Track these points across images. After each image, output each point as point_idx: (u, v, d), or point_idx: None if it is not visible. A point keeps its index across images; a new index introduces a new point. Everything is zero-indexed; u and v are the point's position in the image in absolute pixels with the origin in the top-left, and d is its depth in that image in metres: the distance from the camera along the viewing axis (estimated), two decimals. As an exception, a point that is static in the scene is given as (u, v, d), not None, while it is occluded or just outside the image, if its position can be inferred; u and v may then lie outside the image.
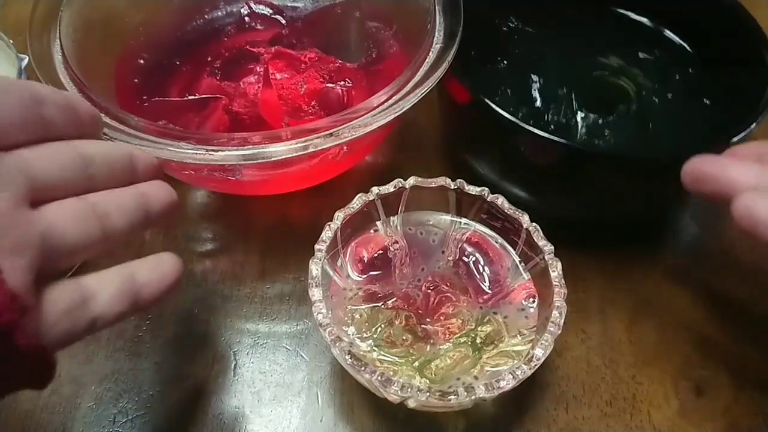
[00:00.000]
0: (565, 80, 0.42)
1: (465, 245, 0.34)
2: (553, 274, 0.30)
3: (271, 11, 0.45)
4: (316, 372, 0.34)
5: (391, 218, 0.35)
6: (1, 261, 0.20)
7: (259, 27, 0.45)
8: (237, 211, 0.41)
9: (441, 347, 0.30)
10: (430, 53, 0.35)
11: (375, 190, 0.34)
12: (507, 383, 0.27)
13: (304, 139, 0.30)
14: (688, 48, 0.44)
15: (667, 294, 0.37)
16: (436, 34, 0.36)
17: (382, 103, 0.32)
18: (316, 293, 0.29)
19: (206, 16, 0.45)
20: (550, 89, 0.42)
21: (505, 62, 0.43)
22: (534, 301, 0.32)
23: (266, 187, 0.39)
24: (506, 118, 0.33)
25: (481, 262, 0.33)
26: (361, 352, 0.30)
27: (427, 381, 0.29)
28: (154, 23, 0.42)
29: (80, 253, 0.23)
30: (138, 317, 0.35)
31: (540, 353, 0.28)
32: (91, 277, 0.23)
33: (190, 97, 0.40)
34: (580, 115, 0.41)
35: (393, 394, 0.27)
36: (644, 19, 0.45)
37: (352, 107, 0.32)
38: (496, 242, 0.34)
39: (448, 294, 0.32)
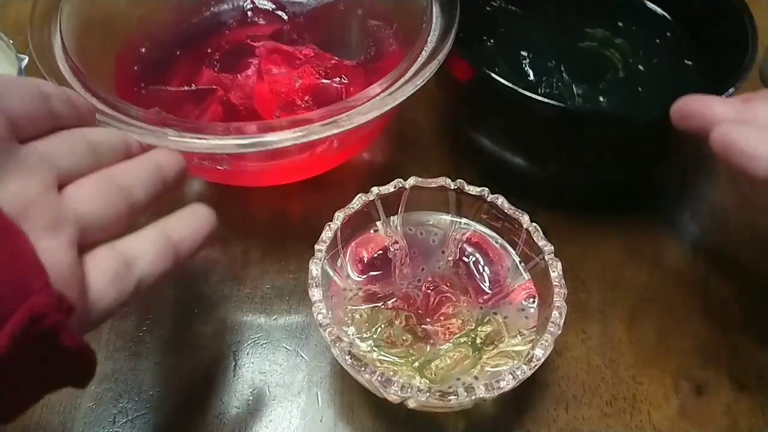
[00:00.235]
0: (554, 54, 0.43)
1: (465, 245, 0.34)
2: (553, 275, 0.30)
3: (273, 6, 0.46)
4: (316, 372, 0.34)
5: (391, 218, 0.35)
6: (42, 237, 0.20)
7: (261, 22, 0.45)
8: (237, 211, 0.41)
9: (441, 347, 0.30)
10: (425, 47, 0.35)
11: (375, 190, 0.34)
12: (507, 383, 0.27)
13: (296, 129, 0.31)
14: (668, 17, 0.45)
15: (667, 294, 0.37)
16: (431, 31, 0.36)
17: (378, 94, 0.33)
18: (316, 293, 0.29)
19: (211, 9, 0.46)
20: (540, 63, 0.43)
21: (492, 41, 0.44)
22: (534, 302, 0.32)
23: (261, 178, 0.39)
24: (516, 90, 0.35)
25: (481, 262, 0.33)
26: (361, 353, 0.30)
27: (427, 381, 0.29)
28: (155, 17, 0.43)
29: (112, 227, 0.23)
30: (138, 317, 0.35)
31: (540, 353, 0.28)
32: (128, 239, 0.24)
33: (186, 88, 0.40)
34: (571, 85, 0.42)
35: (393, 395, 0.27)
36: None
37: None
38: (496, 242, 0.34)
39: (448, 294, 0.32)
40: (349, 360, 0.27)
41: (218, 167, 0.35)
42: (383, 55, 0.42)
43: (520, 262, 0.33)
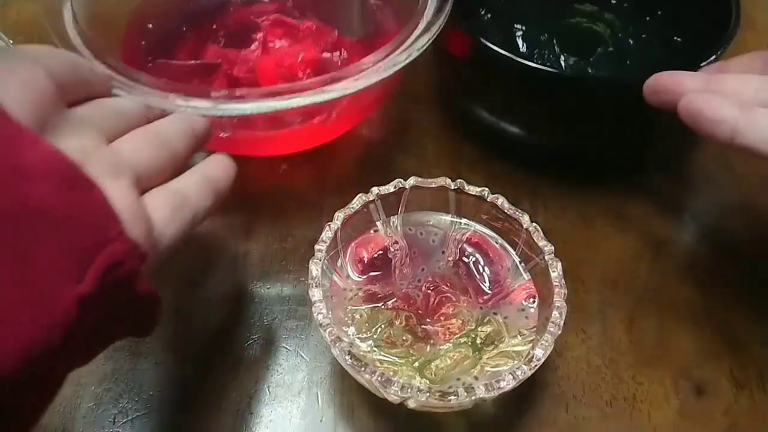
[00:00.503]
0: (546, 28, 0.46)
1: (465, 245, 0.34)
2: (553, 275, 0.30)
3: None
4: (316, 372, 0.34)
5: (391, 218, 0.35)
6: (107, 183, 0.21)
7: (264, 0, 0.46)
8: (237, 211, 0.41)
9: (441, 347, 0.30)
10: (421, 21, 0.36)
11: (375, 190, 0.34)
12: (507, 383, 0.27)
13: (294, 94, 0.32)
14: None
15: (667, 294, 0.37)
16: (427, 6, 0.37)
17: (373, 64, 0.34)
18: (316, 293, 0.29)
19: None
20: (532, 37, 0.46)
21: (488, 15, 0.47)
22: (534, 302, 0.32)
23: (262, 147, 0.40)
24: (512, 58, 0.36)
25: (481, 263, 0.33)
26: (361, 353, 0.30)
27: (427, 381, 0.29)
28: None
29: (159, 176, 0.25)
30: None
31: (540, 353, 0.28)
32: (175, 181, 0.26)
33: (192, 62, 0.41)
34: (563, 58, 0.44)
35: (393, 395, 0.27)
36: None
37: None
38: (496, 242, 0.34)
39: (448, 294, 0.32)
40: (349, 360, 0.27)
41: (221, 134, 0.36)
42: (383, 33, 0.42)
43: (520, 262, 0.33)
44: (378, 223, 0.34)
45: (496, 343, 0.30)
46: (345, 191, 0.41)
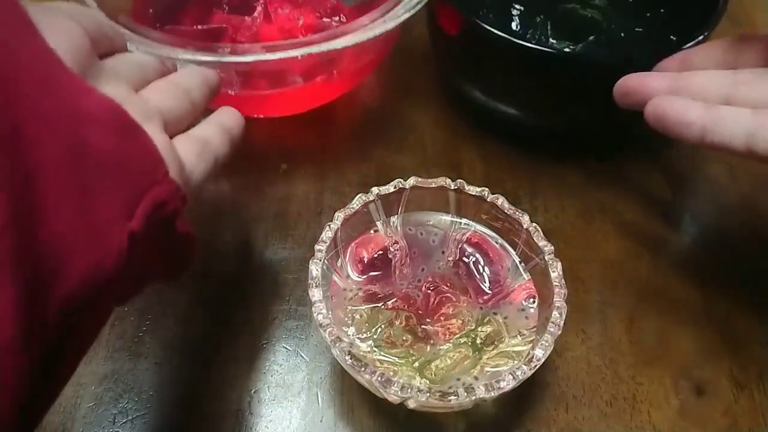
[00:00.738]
0: (542, 10, 0.47)
1: (465, 245, 0.34)
2: (553, 275, 0.30)
3: None
4: (316, 372, 0.34)
5: (391, 218, 0.35)
6: (144, 127, 0.23)
7: None
8: (237, 211, 0.41)
9: (441, 348, 0.30)
10: None
11: (375, 190, 0.34)
12: (507, 384, 0.27)
13: (294, 48, 0.35)
14: None
15: (667, 294, 0.37)
16: None
17: (366, 24, 0.36)
18: (316, 294, 0.29)
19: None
20: (529, 17, 0.47)
21: None
22: (534, 302, 0.32)
23: (266, 107, 0.43)
24: (504, 37, 0.37)
25: (481, 263, 0.33)
26: (361, 353, 0.30)
27: (427, 381, 0.29)
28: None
29: (182, 122, 0.27)
30: (138, 317, 0.35)
31: (540, 354, 0.28)
32: (196, 129, 0.28)
33: (198, 27, 0.43)
34: (552, 41, 0.46)
35: (393, 395, 0.27)
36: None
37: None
38: (496, 242, 0.34)
39: (448, 294, 0.32)
40: (349, 360, 0.27)
41: (229, 91, 0.38)
42: (380, 1, 0.43)
43: (520, 263, 0.33)
44: (378, 223, 0.34)
45: (496, 343, 0.30)
46: (345, 191, 0.41)
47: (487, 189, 0.34)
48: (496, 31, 0.37)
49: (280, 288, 0.37)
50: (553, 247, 0.31)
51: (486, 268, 0.33)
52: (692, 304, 0.37)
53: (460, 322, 0.31)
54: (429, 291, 0.32)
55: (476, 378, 0.29)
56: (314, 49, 0.35)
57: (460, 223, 0.35)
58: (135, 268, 0.22)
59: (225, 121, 0.30)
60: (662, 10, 0.46)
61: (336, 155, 0.44)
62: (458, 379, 0.29)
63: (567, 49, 0.45)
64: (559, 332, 0.29)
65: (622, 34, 0.46)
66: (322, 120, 0.46)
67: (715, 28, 0.38)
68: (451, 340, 0.31)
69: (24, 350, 0.18)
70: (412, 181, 0.34)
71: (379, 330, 0.31)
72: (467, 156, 0.44)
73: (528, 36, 0.46)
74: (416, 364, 0.30)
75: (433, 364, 0.30)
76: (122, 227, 0.21)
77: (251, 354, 0.34)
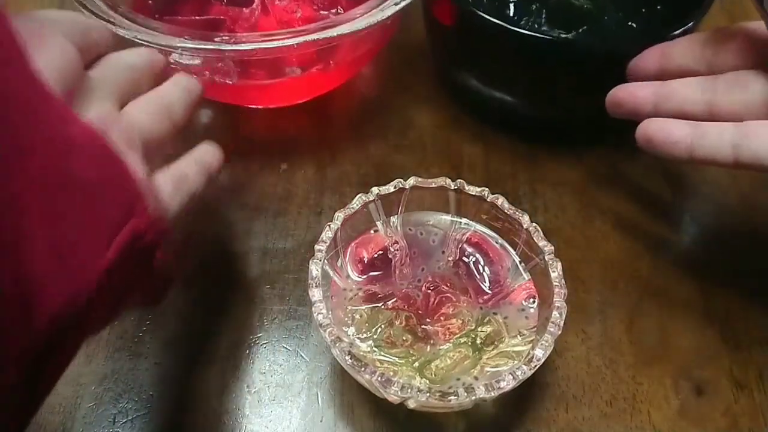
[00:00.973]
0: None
1: (465, 245, 0.34)
2: (553, 275, 0.30)
3: None
4: (316, 372, 0.34)
5: (391, 218, 0.35)
6: (127, 156, 0.22)
7: None
8: (237, 211, 0.41)
9: (441, 348, 0.30)
10: None
11: (375, 190, 0.34)
12: (507, 384, 0.27)
13: (296, 37, 0.35)
14: None
15: (667, 294, 0.37)
16: None
17: (365, 13, 0.37)
18: (316, 294, 0.29)
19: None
20: (525, 5, 0.47)
21: None
22: (534, 302, 0.32)
23: (264, 97, 0.44)
24: (499, 24, 0.38)
25: (481, 263, 0.33)
26: (361, 353, 0.30)
27: (427, 381, 0.29)
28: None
29: (163, 145, 0.27)
30: (138, 317, 0.35)
31: (540, 354, 0.28)
32: (175, 164, 0.28)
33: (196, 17, 0.44)
34: (548, 29, 0.46)
35: (393, 395, 0.27)
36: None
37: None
38: (496, 242, 0.34)
39: (448, 294, 0.32)
40: (349, 360, 0.27)
41: (227, 81, 0.39)
42: None
43: (520, 262, 0.33)
44: (378, 223, 0.34)
45: (496, 343, 0.30)
46: (345, 191, 0.41)
47: (487, 189, 0.34)
48: (491, 19, 0.38)
49: (280, 288, 0.37)
50: (553, 247, 0.31)
51: (486, 268, 0.33)
52: (692, 304, 0.37)
53: (460, 322, 0.31)
54: (429, 291, 0.32)
55: (476, 378, 0.29)
56: (310, 37, 0.35)
57: (460, 223, 0.35)
58: (110, 298, 0.22)
59: (203, 157, 0.30)
60: (659, 7, 0.46)
61: (336, 155, 0.44)
62: (458, 379, 0.29)
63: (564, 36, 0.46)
64: (559, 332, 0.29)
65: (614, 27, 0.46)
66: (322, 118, 0.46)
67: (702, 18, 0.39)
68: (451, 340, 0.31)
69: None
70: (412, 181, 0.34)
71: (379, 330, 0.31)
72: (467, 154, 0.44)
73: (522, 24, 0.46)
74: (416, 364, 0.30)
75: (433, 364, 0.30)
76: (98, 261, 0.20)
77: (251, 354, 0.34)
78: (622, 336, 0.35)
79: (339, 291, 0.32)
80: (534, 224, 0.32)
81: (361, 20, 0.37)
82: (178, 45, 0.35)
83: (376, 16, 0.37)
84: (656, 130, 0.32)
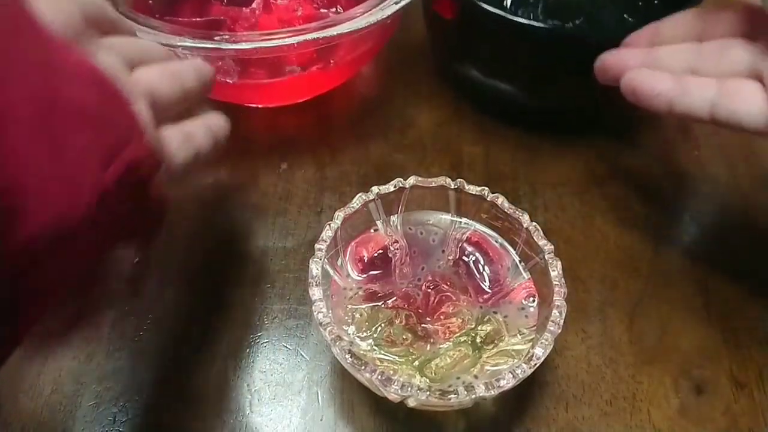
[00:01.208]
0: None
1: (465, 245, 0.34)
2: (552, 274, 0.30)
3: None
4: (316, 371, 0.34)
5: (391, 218, 0.35)
6: (132, 101, 0.23)
7: None
8: (238, 211, 0.41)
9: (441, 346, 0.30)
10: None
11: (375, 189, 0.34)
12: (507, 382, 0.27)
13: (296, 36, 0.36)
14: None
15: (667, 294, 0.37)
16: None
17: (365, 12, 0.38)
18: (316, 292, 0.29)
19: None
20: None
21: None
22: (534, 301, 0.32)
23: (264, 95, 0.44)
24: (500, 15, 0.38)
25: (481, 262, 0.34)
26: (361, 352, 0.30)
27: (427, 380, 0.29)
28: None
29: (172, 108, 0.27)
30: (138, 317, 0.35)
31: (540, 352, 0.28)
32: (184, 124, 0.28)
33: (196, 19, 0.44)
34: (540, 19, 0.47)
35: (393, 393, 0.27)
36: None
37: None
38: (496, 242, 0.34)
39: (448, 293, 0.32)
40: (350, 359, 0.27)
41: (227, 80, 0.40)
42: None
43: (520, 262, 0.33)
44: (378, 223, 0.34)
45: (495, 342, 0.30)
46: (345, 191, 0.41)
47: (487, 188, 0.34)
48: (492, 9, 0.38)
49: (281, 287, 0.37)
50: (552, 246, 0.31)
51: (486, 267, 0.33)
52: (692, 303, 0.37)
53: (460, 320, 0.31)
54: (429, 290, 0.32)
55: (476, 377, 0.29)
56: (310, 36, 0.36)
57: (460, 222, 0.35)
58: (102, 226, 0.22)
59: (211, 122, 0.30)
60: (655, 2, 0.47)
61: (336, 155, 0.44)
62: (458, 378, 0.29)
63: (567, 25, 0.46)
64: (559, 331, 0.29)
65: (609, 19, 0.47)
66: (322, 118, 0.46)
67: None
68: (451, 339, 0.31)
69: None
70: (412, 180, 0.34)
71: (379, 329, 0.31)
72: (467, 153, 0.44)
73: (520, 14, 0.46)
74: (416, 363, 0.30)
75: (433, 362, 0.30)
76: (93, 181, 0.21)
77: (251, 353, 0.34)
78: (622, 335, 0.35)
79: (339, 290, 0.32)
80: (534, 223, 0.32)
81: (361, 19, 0.37)
82: (179, 44, 0.35)
83: (376, 15, 0.38)
84: (641, 82, 0.33)
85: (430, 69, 0.50)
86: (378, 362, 0.30)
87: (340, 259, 0.33)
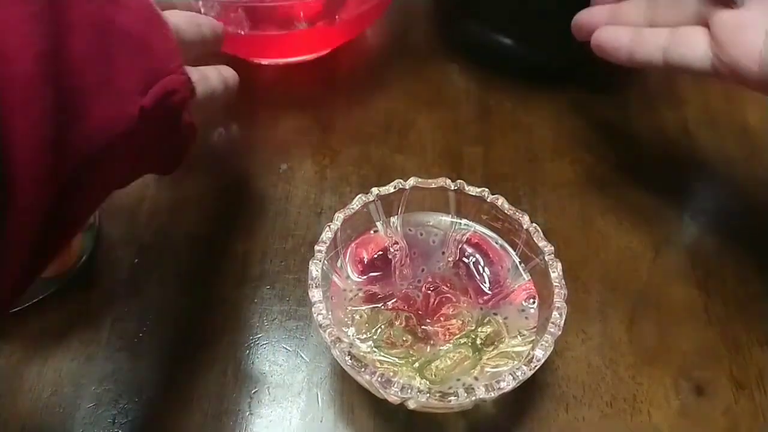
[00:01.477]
0: None
1: (465, 246, 0.34)
2: (553, 275, 0.30)
3: None
4: (316, 373, 0.34)
5: (391, 219, 0.35)
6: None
7: None
8: (238, 211, 0.41)
9: (441, 348, 0.30)
10: None
11: (375, 190, 0.34)
12: (507, 384, 0.27)
13: None
14: None
15: (667, 294, 0.37)
16: None
17: None
18: (316, 294, 0.29)
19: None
20: None
21: None
22: (534, 302, 0.32)
23: (272, 49, 0.46)
24: None
25: (481, 263, 0.33)
26: (361, 353, 0.30)
27: (427, 382, 0.29)
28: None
29: (192, 50, 0.30)
30: (138, 317, 0.35)
31: (540, 354, 0.28)
32: (198, 68, 0.30)
33: None
34: None
35: (393, 395, 0.27)
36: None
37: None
38: (496, 243, 0.34)
39: (448, 295, 0.32)
40: (349, 361, 0.27)
41: (239, 31, 0.42)
42: None
43: (520, 263, 0.33)
44: (378, 224, 0.34)
45: (496, 343, 0.30)
46: (345, 191, 0.41)
47: (486, 189, 0.34)
48: None
49: (280, 288, 0.37)
50: (553, 248, 0.31)
51: (486, 269, 0.33)
52: (692, 304, 0.37)
53: (460, 322, 0.31)
54: (429, 291, 0.32)
55: (476, 378, 0.29)
56: None
57: (460, 223, 0.35)
58: (139, 144, 0.25)
59: (224, 71, 0.33)
60: None
61: (336, 155, 0.44)
62: (458, 380, 0.29)
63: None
64: (559, 332, 0.29)
65: None
66: (322, 117, 0.46)
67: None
68: (451, 341, 0.31)
69: (51, 177, 0.20)
70: (412, 181, 0.34)
71: (379, 330, 0.31)
72: (467, 154, 0.44)
73: None
74: (416, 365, 0.30)
75: (433, 364, 0.30)
76: (135, 99, 0.24)
77: (251, 354, 0.34)
78: (622, 336, 0.35)
79: (339, 291, 0.32)
80: (534, 225, 0.32)
81: None
82: None
83: None
84: (605, 38, 0.36)
85: (431, 69, 0.50)
86: (378, 364, 0.29)
87: (340, 260, 0.33)
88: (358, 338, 0.30)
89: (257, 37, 0.44)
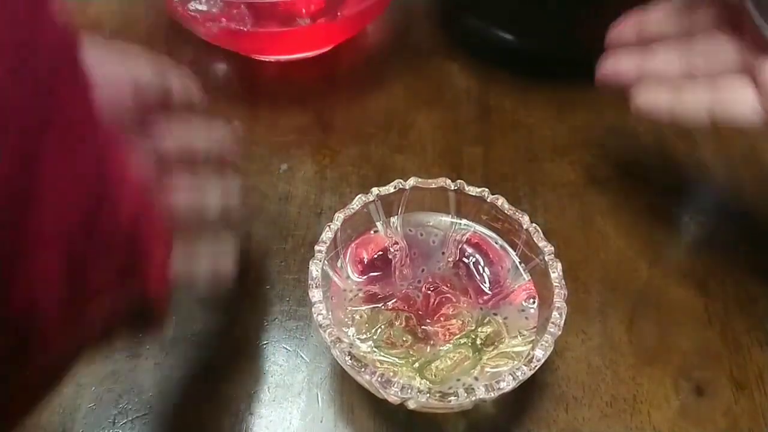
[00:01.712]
0: None
1: (465, 246, 0.34)
2: (553, 275, 0.30)
3: None
4: (316, 373, 0.34)
5: (391, 219, 0.35)
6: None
7: None
8: (237, 212, 0.41)
9: (441, 348, 0.30)
10: None
11: (375, 190, 0.34)
12: (507, 384, 0.27)
13: None
14: None
15: (667, 294, 0.37)
16: None
17: None
18: (316, 294, 0.29)
19: None
20: None
21: None
22: (534, 302, 0.32)
23: (274, 46, 0.47)
24: None
25: (481, 263, 0.33)
26: (361, 353, 0.30)
27: (427, 382, 0.29)
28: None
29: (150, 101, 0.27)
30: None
31: (540, 354, 0.28)
32: (193, 245, 0.29)
33: None
34: None
35: (393, 396, 0.27)
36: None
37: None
38: (496, 243, 0.34)
39: (448, 295, 0.32)
40: (349, 361, 0.27)
41: (242, 28, 0.43)
42: None
43: (520, 263, 0.33)
44: (378, 224, 0.34)
45: (496, 343, 0.30)
46: (345, 191, 0.41)
47: (486, 189, 0.34)
48: None
49: (280, 289, 0.37)
50: (553, 248, 0.31)
51: (486, 269, 0.33)
52: (692, 304, 0.37)
53: (460, 322, 0.31)
54: (429, 292, 0.32)
55: (476, 378, 0.29)
56: None
57: (460, 223, 0.35)
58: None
59: (220, 249, 0.31)
60: None
61: (336, 155, 0.44)
62: (458, 380, 0.29)
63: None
64: (559, 333, 0.29)
65: None
66: (322, 117, 0.46)
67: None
68: (451, 341, 0.31)
69: None
70: (412, 181, 0.34)
71: (379, 331, 0.31)
72: (467, 154, 0.44)
73: None
74: (416, 365, 0.30)
75: (433, 364, 0.30)
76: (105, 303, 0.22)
77: (251, 355, 0.34)
78: (622, 336, 0.35)
79: (339, 292, 0.32)
80: (534, 225, 0.32)
81: None
82: None
83: None
84: (643, 103, 0.35)
85: (432, 69, 0.50)
86: (378, 364, 0.29)
87: (340, 260, 0.33)
88: (358, 338, 0.30)
89: (259, 33, 0.44)
